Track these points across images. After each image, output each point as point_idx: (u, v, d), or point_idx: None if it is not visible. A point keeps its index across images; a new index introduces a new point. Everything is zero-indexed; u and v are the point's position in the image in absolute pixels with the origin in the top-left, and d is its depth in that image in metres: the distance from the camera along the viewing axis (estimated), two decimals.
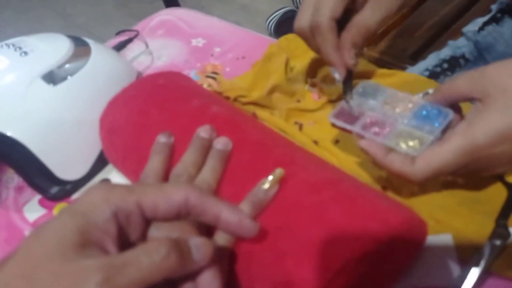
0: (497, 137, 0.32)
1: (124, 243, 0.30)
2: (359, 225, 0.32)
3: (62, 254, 0.26)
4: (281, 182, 0.37)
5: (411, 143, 0.37)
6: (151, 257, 0.27)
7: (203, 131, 0.42)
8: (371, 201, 0.35)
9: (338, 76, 0.44)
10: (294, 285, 0.32)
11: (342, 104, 0.43)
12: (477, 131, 0.33)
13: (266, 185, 0.37)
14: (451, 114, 0.37)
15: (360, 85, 0.43)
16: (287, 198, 0.36)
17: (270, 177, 0.37)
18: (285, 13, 1.68)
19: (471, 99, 0.36)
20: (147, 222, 0.32)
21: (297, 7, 1.77)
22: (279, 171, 0.37)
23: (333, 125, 0.41)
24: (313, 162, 0.40)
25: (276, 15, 1.68)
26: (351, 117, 0.41)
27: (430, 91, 0.44)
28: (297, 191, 0.36)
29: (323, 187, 0.36)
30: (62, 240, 0.27)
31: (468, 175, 0.38)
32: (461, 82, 0.36)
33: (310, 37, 0.45)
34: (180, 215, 0.32)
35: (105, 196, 0.30)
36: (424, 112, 0.39)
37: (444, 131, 0.37)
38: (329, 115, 0.41)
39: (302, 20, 0.45)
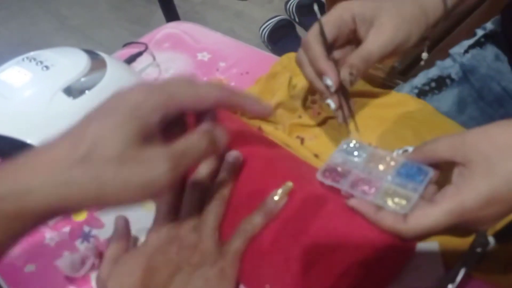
0: (484, 201, 0.34)
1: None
2: (359, 235, 0.37)
3: (130, 147, 0.32)
4: (289, 194, 0.41)
5: (397, 201, 0.38)
6: (199, 144, 0.35)
7: None
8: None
9: (333, 105, 0.47)
10: (303, 286, 0.37)
11: (328, 162, 0.43)
12: (465, 196, 0.35)
13: (277, 197, 0.41)
14: (431, 172, 0.39)
15: (344, 142, 0.45)
16: (294, 209, 0.41)
17: (280, 190, 0.41)
18: (278, 21, 1.72)
19: (451, 163, 0.37)
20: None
21: (290, 16, 1.82)
22: (288, 185, 0.42)
23: (321, 184, 0.42)
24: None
25: (269, 23, 1.73)
26: (337, 175, 0.42)
27: (410, 149, 0.45)
28: (303, 203, 0.41)
29: (327, 199, 0.41)
30: (127, 135, 0.32)
31: (456, 232, 0.40)
32: (442, 147, 0.38)
33: (303, 60, 0.48)
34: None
35: (149, 97, 0.33)
36: (406, 171, 0.40)
37: (426, 187, 0.39)
38: (317, 174, 0.42)
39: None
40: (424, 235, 0.36)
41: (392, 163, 0.42)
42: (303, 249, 0.38)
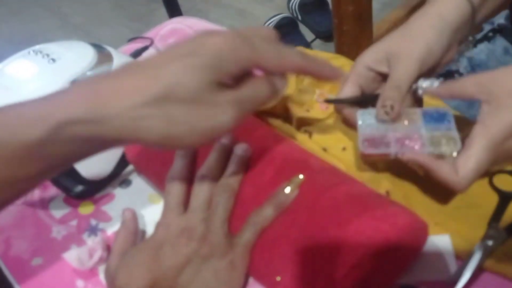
0: (510, 130, 0.38)
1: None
2: (370, 227, 0.37)
3: (204, 91, 0.32)
4: (300, 186, 0.41)
5: (446, 143, 0.41)
6: (263, 90, 0.35)
7: (225, 137, 0.46)
8: (381, 205, 0.39)
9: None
10: (314, 278, 0.36)
11: (362, 137, 0.44)
12: (493, 129, 0.38)
13: (288, 189, 0.41)
14: (450, 111, 0.43)
15: (360, 114, 0.46)
16: (305, 201, 0.40)
17: (291, 182, 0.41)
18: (281, 19, 1.72)
19: (473, 100, 0.40)
20: None
21: (293, 14, 1.81)
22: (299, 177, 0.41)
23: (368, 155, 0.43)
24: (326, 168, 0.44)
25: (272, 22, 1.73)
26: (377, 143, 0.43)
27: (424, 84, 0.45)
28: (314, 195, 0.40)
29: (337, 191, 0.40)
30: (204, 80, 0.32)
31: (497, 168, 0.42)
32: (470, 84, 0.40)
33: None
34: None
35: (233, 48, 0.33)
36: (430, 117, 0.43)
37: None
38: (360, 148, 0.43)
39: None
40: (474, 179, 0.38)
41: (413, 116, 0.44)
42: (314, 241, 0.38)
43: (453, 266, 0.41)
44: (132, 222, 0.47)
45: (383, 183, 0.48)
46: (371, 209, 0.38)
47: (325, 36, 1.73)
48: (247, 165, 0.45)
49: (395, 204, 0.40)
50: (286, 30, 1.70)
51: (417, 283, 0.40)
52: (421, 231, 0.40)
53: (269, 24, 1.73)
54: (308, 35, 1.74)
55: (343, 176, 0.44)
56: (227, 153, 0.45)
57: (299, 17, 1.80)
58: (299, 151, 0.47)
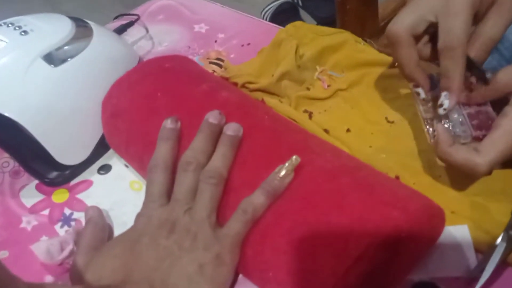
0: None
1: None
2: (378, 213, 0.31)
3: None
4: (297, 169, 0.36)
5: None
6: None
7: (212, 117, 0.40)
8: (390, 188, 0.34)
9: (423, 94, 0.42)
10: (312, 273, 0.31)
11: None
12: None
13: (282, 173, 0.36)
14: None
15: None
16: (303, 185, 0.35)
17: (286, 165, 0.36)
18: (280, 5, 1.66)
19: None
20: None
21: (293, 0, 1.75)
22: (295, 158, 0.36)
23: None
24: (328, 149, 0.39)
25: (271, 7, 1.66)
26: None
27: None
28: (313, 179, 0.35)
29: (340, 174, 0.35)
30: None
31: None
32: (502, 75, 0.37)
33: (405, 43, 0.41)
34: None
35: None
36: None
37: None
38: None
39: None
40: (498, 161, 0.35)
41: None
42: (312, 230, 0.32)
43: (472, 260, 0.35)
44: (99, 218, 0.42)
45: (393, 168, 0.42)
46: (379, 192, 0.33)
47: (327, 22, 1.66)
48: (238, 147, 0.39)
49: (407, 187, 0.35)
50: (286, 16, 1.63)
51: (432, 280, 0.35)
52: (437, 219, 0.35)
53: (269, 9, 1.66)
54: (309, 21, 1.68)
55: (347, 158, 0.38)
56: (215, 135, 0.40)
57: (300, 2, 1.74)
58: (298, 131, 0.41)
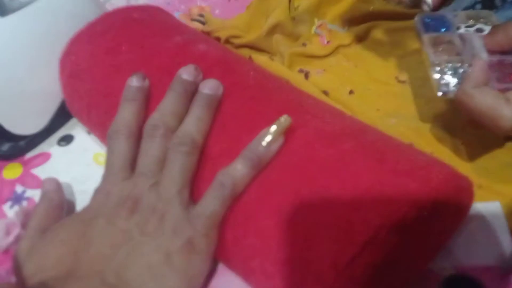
0: None
1: None
2: (392, 185, 0.24)
3: None
4: (287, 133, 0.28)
5: None
6: None
7: (186, 72, 0.33)
8: (405, 155, 0.26)
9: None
10: (307, 263, 0.24)
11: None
12: None
13: (268, 137, 0.28)
14: None
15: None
16: (295, 153, 0.28)
17: (273, 127, 0.29)
18: None
19: None
20: None
21: None
22: (284, 119, 0.29)
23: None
24: (326, 110, 0.31)
25: None
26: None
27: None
28: (308, 144, 0.28)
29: (342, 138, 0.28)
30: None
31: None
32: None
33: None
34: None
35: None
36: None
37: None
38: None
39: None
40: None
41: None
42: (307, 209, 0.25)
43: (507, 244, 0.28)
44: (55, 194, 0.35)
45: (405, 134, 0.35)
46: (391, 160, 0.25)
47: None
48: (216, 109, 0.32)
49: (426, 155, 0.28)
50: None
51: (460, 270, 0.28)
52: (464, 193, 0.27)
53: None
54: None
55: (350, 120, 0.31)
56: (189, 94, 0.33)
57: None
58: (290, 90, 0.34)
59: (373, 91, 0.39)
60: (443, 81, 0.32)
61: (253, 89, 0.33)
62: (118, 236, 0.28)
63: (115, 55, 0.37)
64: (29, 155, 0.41)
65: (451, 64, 0.33)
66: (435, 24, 0.36)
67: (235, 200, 0.28)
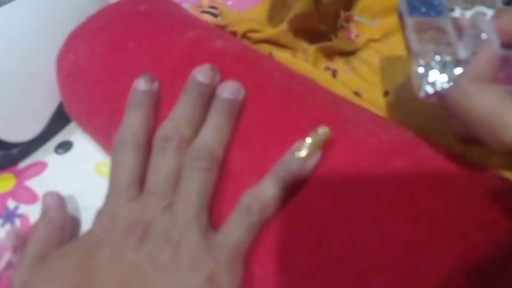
0: None
1: None
2: (465, 214, 0.20)
3: None
4: (326, 147, 0.24)
5: None
6: None
7: (201, 73, 0.29)
8: (477, 175, 0.22)
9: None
10: None
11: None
12: None
13: (303, 152, 0.24)
14: None
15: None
16: (337, 172, 0.23)
17: (308, 140, 0.24)
18: None
19: None
20: None
21: None
22: (322, 130, 0.24)
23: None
24: (369, 117, 0.27)
25: None
26: None
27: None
28: (353, 161, 0.23)
29: (394, 153, 0.23)
30: None
31: None
32: None
33: None
34: None
35: None
36: None
37: None
38: None
39: None
40: None
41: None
42: (354, 245, 0.21)
43: None
44: (57, 212, 0.30)
45: (455, 144, 0.30)
46: (460, 181, 0.21)
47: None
48: (238, 116, 0.27)
49: (495, 174, 0.23)
50: None
51: None
52: None
53: None
54: None
55: (397, 129, 0.26)
56: (205, 98, 0.28)
57: None
58: (322, 93, 0.29)
59: (410, 93, 0.35)
60: (427, 78, 0.23)
61: (280, 92, 0.28)
62: (126, 271, 0.24)
63: (119, 53, 0.33)
64: (23, 164, 0.37)
65: (439, 57, 0.24)
66: (423, 5, 0.28)
67: (265, 229, 0.24)
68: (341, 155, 0.23)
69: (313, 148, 0.24)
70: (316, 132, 0.24)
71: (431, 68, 0.23)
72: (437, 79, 0.23)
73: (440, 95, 0.23)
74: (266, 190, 0.24)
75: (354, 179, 0.22)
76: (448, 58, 0.24)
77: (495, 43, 0.22)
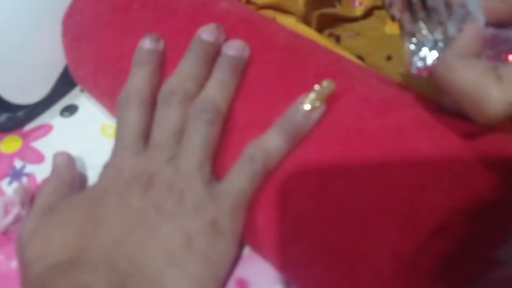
0: None
1: None
2: (464, 160, 0.20)
3: None
4: (330, 100, 0.24)
5: None
6: None
7: (206, 32, 0.29)
8: (477, 127, 0.22)
9: None
10: (361, 254, 0.20)
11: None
12: None
13: (307, 105, 0.24)
14: None
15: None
16: (340, 123, 0.24)
17: (313, 93, 0.24)
18: None
19: None
20: None
21: None
22: (326, 83, 0.24)
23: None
24: (372, 75, 0.27)
25: None
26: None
27: None
28: (356, 113, 0.23)
29: (397, 106, 0.23)
30: None
31: None
32: None
33: None
34: None
35: None
36: None
37: None
38: None
39: None
40: None
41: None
42: (358, 190, 0.21)
43: None
44: (67, 169, 0.31)
45: None
46: (462, 131, 0.21)
47: None
48: (242, 73, 0.28)
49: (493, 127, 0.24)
50: None
51: None
52: None
53: None
54: None
55: (400, 86, 0.26)
56: (210, 56, 0.29)
57: None
58: (326, 52, 0.30)
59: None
60: (418, 55, 0.24)
61: (284, 50, 0.28)
62: (131, 217, 0.24)
63: (125, 13, 0.33)
64: (29, 127, 0.37)
65: (431, 35, 0.25)
66: None
67: (268, 177, 0.24)
68: (343, 107, 0.24)
69: (317, 101, 0.24)
70: (321, 85, 0.24)
71: (423, 45, 0.24)
72: (428, 55, 0.24)
73: (430, 71, 0.23)
74: (270, 141, 0.24)
75: (357, 129, 0.23)
76: (439, 36, 0.24)
77: (481, 20, 0.23)
